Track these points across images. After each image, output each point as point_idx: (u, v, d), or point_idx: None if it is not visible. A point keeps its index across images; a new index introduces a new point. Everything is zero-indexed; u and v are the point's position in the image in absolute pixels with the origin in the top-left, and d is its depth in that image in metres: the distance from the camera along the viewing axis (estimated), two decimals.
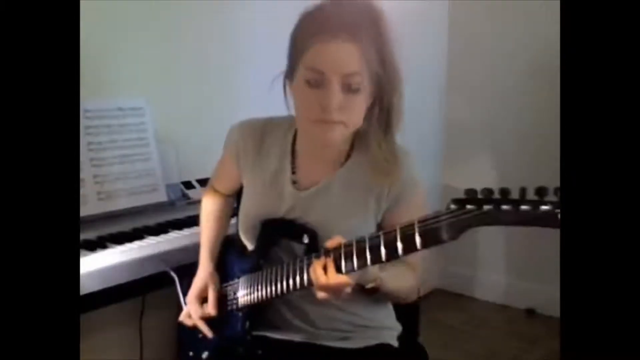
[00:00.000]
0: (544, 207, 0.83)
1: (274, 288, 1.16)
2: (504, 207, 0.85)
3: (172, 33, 1.90)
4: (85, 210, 1.53)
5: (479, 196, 0.88)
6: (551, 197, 0.83)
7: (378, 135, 1.16)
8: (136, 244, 1.45)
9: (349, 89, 1.06)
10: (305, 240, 1.16)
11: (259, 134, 1.26)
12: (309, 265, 1.08)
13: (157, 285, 1.44)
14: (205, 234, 1.37)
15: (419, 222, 0.94)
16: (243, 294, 1.25)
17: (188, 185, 1.80)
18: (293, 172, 1.23)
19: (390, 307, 1.33)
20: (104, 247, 1.41)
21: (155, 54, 1.86)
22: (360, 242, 1.01)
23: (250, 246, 1.28)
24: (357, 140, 1.20)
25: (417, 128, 2.79)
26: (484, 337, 2.68)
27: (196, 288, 1.30)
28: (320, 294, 1.05)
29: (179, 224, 1.58)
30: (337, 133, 1.10)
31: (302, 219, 1.19)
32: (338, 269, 1.03)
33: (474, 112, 2.98)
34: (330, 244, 1.05)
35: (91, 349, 1.64)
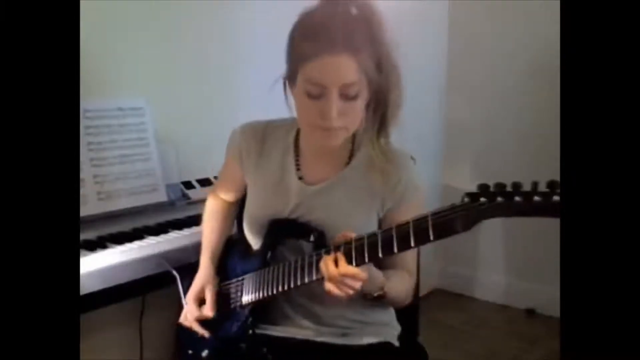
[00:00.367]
0: (555, 198, 0.85)
1: (283, 283, 1.17)
2: (517, 198, 0.88)
3: (172, 33, 1.90)
4: (85, 210, 1.53)
5: (492, 190, 0.91)
6: None
7: (371, 133, 1.18)
8: (136, 244, 1.45)
9: (347, 96, 1.08)
10: (312, 238, 1.18)
11: (260, 135, 1.28)
12: (318, 260, 1.09)
13: (157, 285, 1.44)
14: (207, 236, 1.37)
15: (433, 214, 0.97)
16: (249, 292, 1.25)
17: (188, 185, 1.80)
18: (298, 169, 1.25)
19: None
20: (104, 247, 1.41)
21: (155, 54, 1.86)
22: (372, 236, 1.04)
23: (255, 246, 1.29)
24: (359, 139, 1.22)
25: (417, 128, 2.81)
26: (484, 337, 2.68)
27: (194, 289, 1.31)
28: (330, 287, 1.06)
29: (179, 224, 1.58)
30: (338, 138, 1.14)
31: (309, 218, 1.21)
32: (349, 262, 1.05)
33: (474, 112, 2.98)
34: (339, 238, 1.08)
35: (91, 349, 1.64)
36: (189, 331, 1.33)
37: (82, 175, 1.55)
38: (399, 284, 1.19)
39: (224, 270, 1.35)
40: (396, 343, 1.30)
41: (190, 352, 1.36)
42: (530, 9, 2.67)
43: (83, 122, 1.58)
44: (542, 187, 0.88)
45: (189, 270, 1.36)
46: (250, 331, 1.24)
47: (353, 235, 1.07)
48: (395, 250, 1.02)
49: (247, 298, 1.26)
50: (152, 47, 1.85)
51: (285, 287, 1.17)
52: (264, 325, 1.27)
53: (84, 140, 1.57)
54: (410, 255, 1.21)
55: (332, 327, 1.25)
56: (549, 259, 2.25)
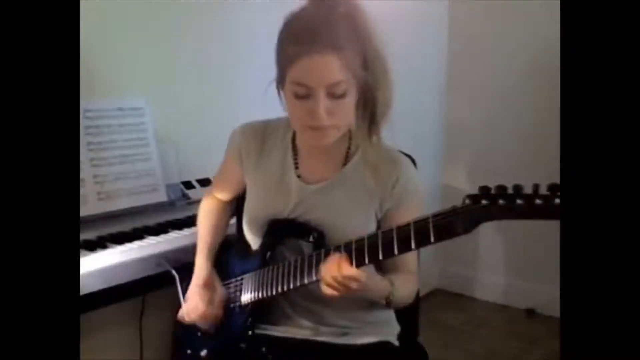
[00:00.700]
0: (557, 201, 0.86)
1: (282, 284, 1.17)
2: (518, 201, 0.89)
3: (172, 33, 1.90)
4: (85, 210, 1.53)
5: (493, 192, 0.92)
6: None
7: (362, 131, 1.19)
8: (136, 244, 1.45)
9: (335, 95, 1.09)
10: (312, 238, 1.18)
11: (260, 135, 1.29)
12: (317, 261, 1.10)
13: (157, 285, 1.44)
14: (203, 236, 1.37)
15: (434, 215, 0.98)
16: (248, 291, 1.25)
17: (188, 185, 1.80)
18: (296, 168, 1.25)
19: None
20: (104, 247, 1.42)
21: (155, 54, 1.86)
22: (372, 237, 1.05)
23: (255, 245, 1.29)
24: (355, 138, 1.22)
25: (417, 128, 2.81)
26: (484, 337, 2.68)
27: (196, 285, 1.30)
28: (328, 290, 1.06)
29: (179, 224, 1.58)
30: (329, 137, 1.14)
31: (308, 217, 1.21)
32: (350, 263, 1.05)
33: (474, 112, 2.98)
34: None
35: (91, 349, 1.64)
36: (187, 331, 1.33)
37: (82, 175, 1.55)
38: (403, 288, 1.19)
39: (223, 270, 1.35)
40: (396, 342, 1.30)
41: (189, 351, 1.36)
42: (530, 9, 2.67)
43: (83, 122, 1.58)
44: (543, 190, 0.88)
45: (188, 270, 1.35)
46: (250, 331, 1.24)
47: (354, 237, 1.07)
48: (396, 252, 1.02)
49: (246, 298, 1.26)
50: (152, 47, 1.85)
51: (285, 288, 1.17)
52: (264, 325, 1.27)
53: (84, 140, 1.57)
54: (411, 256, 1.22)
55: (331, 326, 1.26)
56: (549, 259, 2.25)
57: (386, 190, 1.20)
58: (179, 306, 1.35)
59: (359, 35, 1.09)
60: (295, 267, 1.15)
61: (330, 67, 1.06)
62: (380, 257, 1.04)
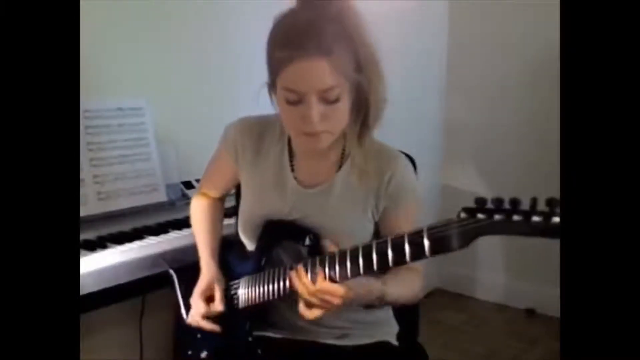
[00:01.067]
0: (555, 220, 0.82)
1: (274, 289, 1.16)
2: (515, 217, 0.85)
3: (172, 33, 1.90)
4: (85, 210, 1.53)
5: (489, 205, 0.88)
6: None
7: (354, 134, 1.17)
8: (136, 244, 1.45)
9: (328, 100, 1.06)
10: (308, 242, 1.17)
11: (256, 132, 1.27)
12: (313, 266, 1.08)
13: (157, 285, 1.44)
14: (203, 235, 1.35)
15: (429, 229, 0.95)
16: (244, 294, 1.25)
17: (188, 185, 1.80)
18: (292, 170, 1.24)
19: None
20: (104, 247, 1.41)
21: (155, 54, 1.86)
22: (367, 248, 1.02)
23: (250, 246, 1.28)
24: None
25: (416, 128, 2.81)
26: (484, 337, 2.68)
27: (200, 287, 1.27)
28: (307, 312, 1.05)
29: (179, 224, 1.58)
30: (323, 142, 1.12)
31: (305, 220, 1.20)
32: (343, 275, 1.04)
33: (474, 112, 2.98)
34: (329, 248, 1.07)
35: (91, 349, 1.64)
36: (188, 332, 1.33)
37: (82, 175, 1.55)
38: (401, 286, 1.16)
39: (225, 269, 1.34)
40: (395, 342, 1.30)
41: (189, 352, 1.36)
42: (530, 9, 2.67)
43: (83, 122, 1.58)
44: (541, 203, 0.84)
45: (188, 270, 1.35)
46: (249, 333, 1.23)
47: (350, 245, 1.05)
48: (391, 264, 0.99)
49: (243, 300, 1.25)
50: (152, 47, 1.85)
51: (281, 294, 1.15)
52: (263, 326, 1.26)
53: (83, 140, 1.57)
54: None
55: (330, 328, 1.25)
56: (549, 259, 2.25)
57: (380, 189, 1.18)
58: (177, 305, 1.35)
59: (350, 37, 1.06)
60: (288, 275, 1.13)
61: (321, 73, 1.03)
62: (375, 269, 1.01)
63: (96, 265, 1.32)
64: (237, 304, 1.26)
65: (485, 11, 2.85)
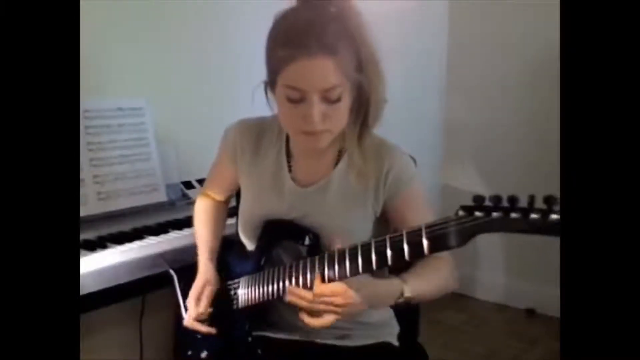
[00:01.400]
0: (553, 217, 0.83)
1: (274, 289, 1.16)
2: (513, 215, 0.85)
3: (172, 33, 1.90)
4: (85, 210, 1.53)
5: (487, 203, 0.88)
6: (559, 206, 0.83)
7: (353, 134, 1.16)
8: (136, 244, 1.45)
9: (330, 100, 1.06)
10: (307, 241, 1.17)
11: (254, 134, 1.27)
12: (312, 266, 1.08)
13: (157, 285, 1.44)
14: (203, 236, 1.36)
15: (427, 227, 0.95)
16: (244, 294, 1.25)
17: (188, 185, 1.80)
18: (290, 170, 1.24)
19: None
20: (104, 247, 1.42)
21: (155, 54, 1.86)
22: (365, 246, 1.02)
23: (250, 246, 1.28)
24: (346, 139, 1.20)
25: (416, 128, 2.81)
26: (484, 337, 2.68)
27: (195, 290, 1.28)
28: (305, 316, 1.05)
29: (179, 224, 1.58)
30: (323, 141, 1.12)
31: (304, 220, 1.20)
32: (342, 274, 1.04)
33: (474, 112, 2.98)
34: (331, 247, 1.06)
35: (91, 349, 1.65)
36: (188, 332, 1.33)
37: (82, 175, 1.55)
38: (425, 281, 1.12)
39: (223, 269, 1.34)
40: (395, 342, 1.30)
41: (189, 352, 1.36)
42: (530, 9, 2.67)
43: (83, 122, 1.58)
44: (539, 201, 0.84)
45: (188, 270, 1.35)
46: (249, 334, 1.23)
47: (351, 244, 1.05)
48: (390, 262, 0.99)
49: (243, 300, 1.25)
50: (151, 47, 1.85)
51: (281, 294, 1.14)
52: (262, 326, 1.26)
53: (83, 140, 1.57)
54: None
55: (331, 328, 1.24)
56: (549, 259, 2.25)
57: (379, 183, 1.18)
58: (177, 305, 1.35)
59: (352, 37, 1.06)
60: (290, 274, 1.13)
61: (325, 72, 1.03)
62: (374, 267, 1.01)
63: (96, 265, 1.32)
64: (237, 304, 1.27)
65: (485, 11, 2.85)
